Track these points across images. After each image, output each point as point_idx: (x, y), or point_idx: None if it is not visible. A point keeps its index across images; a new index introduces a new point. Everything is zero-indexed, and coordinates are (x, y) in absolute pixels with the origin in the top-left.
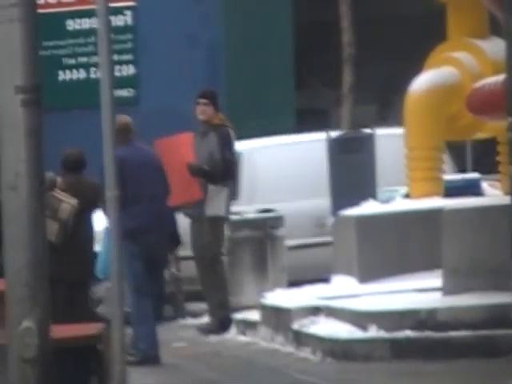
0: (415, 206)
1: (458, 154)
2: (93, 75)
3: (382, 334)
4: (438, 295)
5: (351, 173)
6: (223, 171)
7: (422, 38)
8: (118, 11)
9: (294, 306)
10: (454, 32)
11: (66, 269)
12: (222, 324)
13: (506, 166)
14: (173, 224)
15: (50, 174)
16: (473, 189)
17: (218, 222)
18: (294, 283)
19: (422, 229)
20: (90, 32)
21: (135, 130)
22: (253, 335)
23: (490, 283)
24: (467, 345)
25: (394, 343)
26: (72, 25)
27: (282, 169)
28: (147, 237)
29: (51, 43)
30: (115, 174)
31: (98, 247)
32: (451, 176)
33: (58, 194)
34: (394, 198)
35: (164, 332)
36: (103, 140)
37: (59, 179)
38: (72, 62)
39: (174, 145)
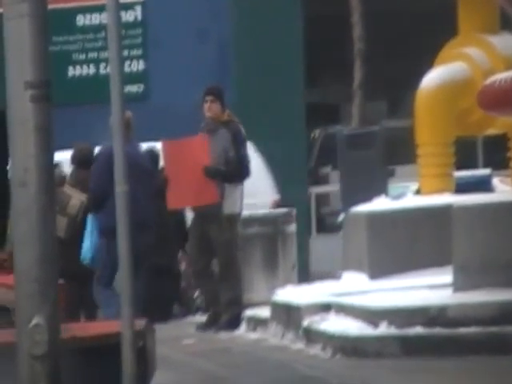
0: (426, 202)
1: (469, 150)
2: (102, 71)
3: (393, 330)
4: (448, 292)
5: (361, 169)
6: (240, 169)
7: (432, 33)
8: (128, 6)
9: (305, 302)
10: (464, 27)
11: (74, 264)
12: (233, 321)
13: None
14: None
15: (59, 170)
16: (483, 185)
17: (235, 219)
18: None
19: (432, 225)
20: (100, 27)
21: (145, 125)
22: (263, 332)
23: (501, 280)
24: (478, 341)
25: (404, 340)
26: (82, 20)
27: None
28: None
29: (61, 38)
30: (112, 170)
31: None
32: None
33: (68, 189)
34: (406, 194)
35: (174, 329)
36: (113, 135)
37: (69, 175)
38: (82, 57)
39: (187, 147)
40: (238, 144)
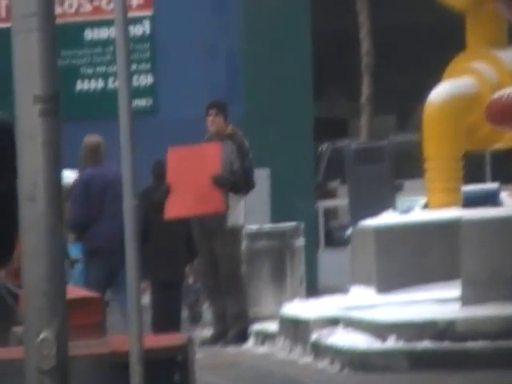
0: (434, 216)
1: (477, 164)
2: (111, 85)
3: (401, 344)
4: (456, 306)
5: (369, 183)
6: (245, 180)
7: (440, 47)
8: (137, 20)
9: (313, 316)
10: (472, 42)
11: None
12: (240, 335)
13: None
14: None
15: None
16: (492, 199)
17: (238, 231)
18: None
19: (440, 239)
20: (108, 41)
21: (153, 139)
22: (271, 346)
23: (509, 294)
24: (486, 355)
25: (412, 354)
26: (90, 34)
27: None
28: (110, 255)
29: (69, 53)
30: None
31: None
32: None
33: None
34: (414, 208)
35: None
36: (121, 150)
37: None
38: (90, 71)
39: (198, 153)
40: (243, 156)
